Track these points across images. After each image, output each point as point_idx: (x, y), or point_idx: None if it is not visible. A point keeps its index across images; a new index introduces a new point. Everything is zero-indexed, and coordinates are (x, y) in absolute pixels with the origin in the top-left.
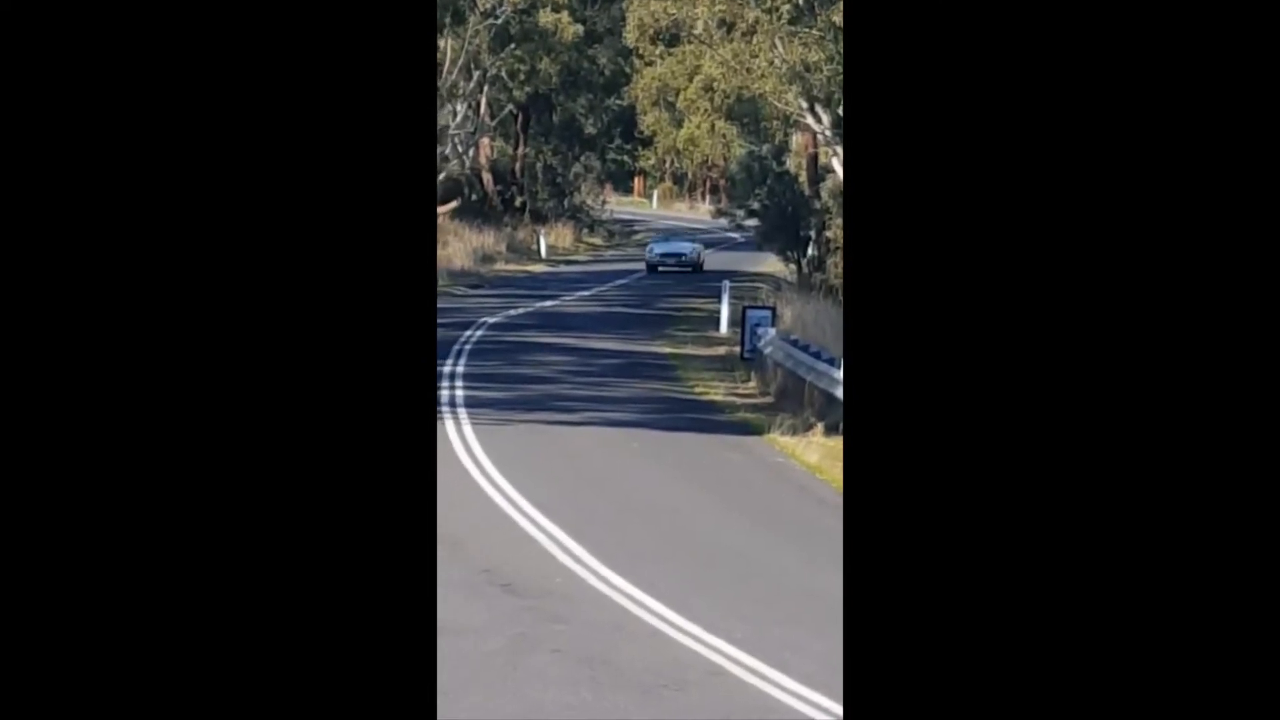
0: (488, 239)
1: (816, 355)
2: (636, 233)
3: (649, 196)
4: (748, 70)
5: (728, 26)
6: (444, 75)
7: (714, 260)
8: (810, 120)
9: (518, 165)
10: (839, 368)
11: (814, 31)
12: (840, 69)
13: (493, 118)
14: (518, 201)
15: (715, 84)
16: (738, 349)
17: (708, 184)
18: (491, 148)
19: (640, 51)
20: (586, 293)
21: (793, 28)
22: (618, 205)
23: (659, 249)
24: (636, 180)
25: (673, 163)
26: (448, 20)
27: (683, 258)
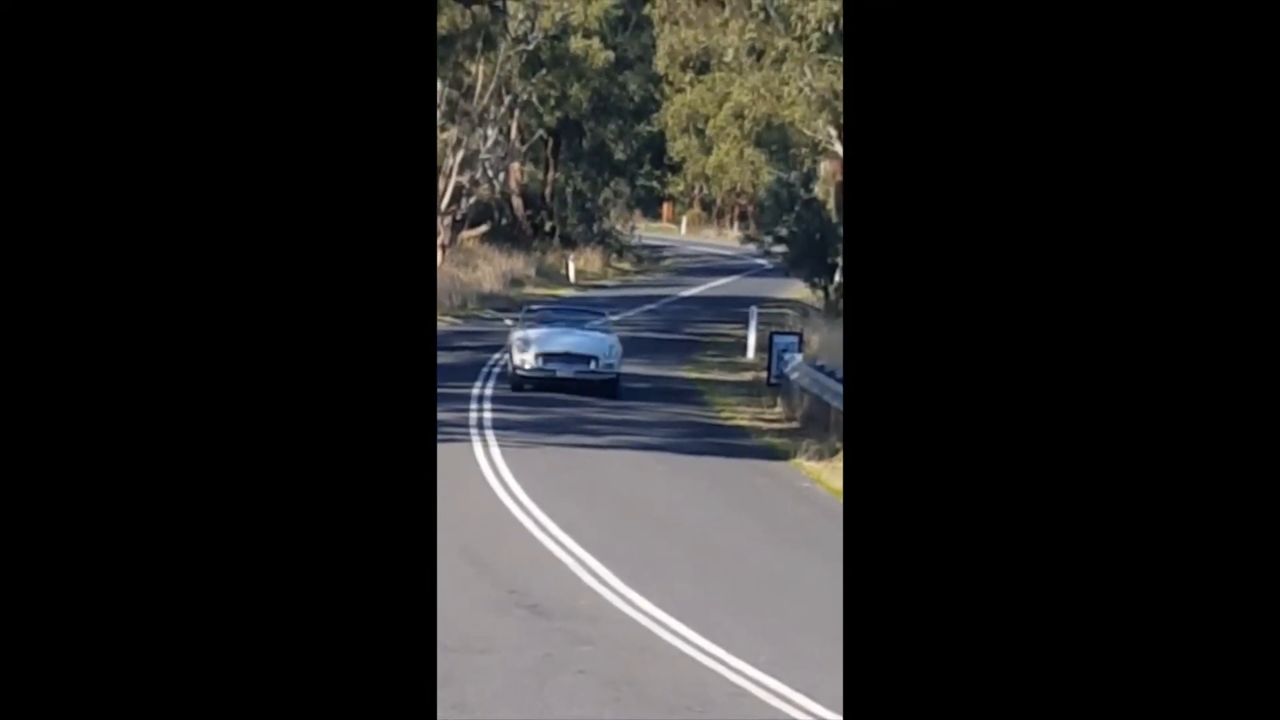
0: (517, 263)
1: (843, 381)
2: (665, 258)
3: (678, 222)
4: (777, 98)
5: (758, 54)
6: (475, 100)
7: (741, 287)
8: (839, 147)
9: (548, 190)
10: None
11: (842, 60)
12: None
13: (523, 143)
14: (547, 226)
15: (744, 111)
16: (764, 374)
17: (736, 210)
18: (522, 172)
19: (670, 78)
20: (614, 317)
21: (822, 55)
22: (646, 231)
23: (539, 343)
24: (665, 206)
25: (701, 189)
26: (480, 45)
27: (588, 367)
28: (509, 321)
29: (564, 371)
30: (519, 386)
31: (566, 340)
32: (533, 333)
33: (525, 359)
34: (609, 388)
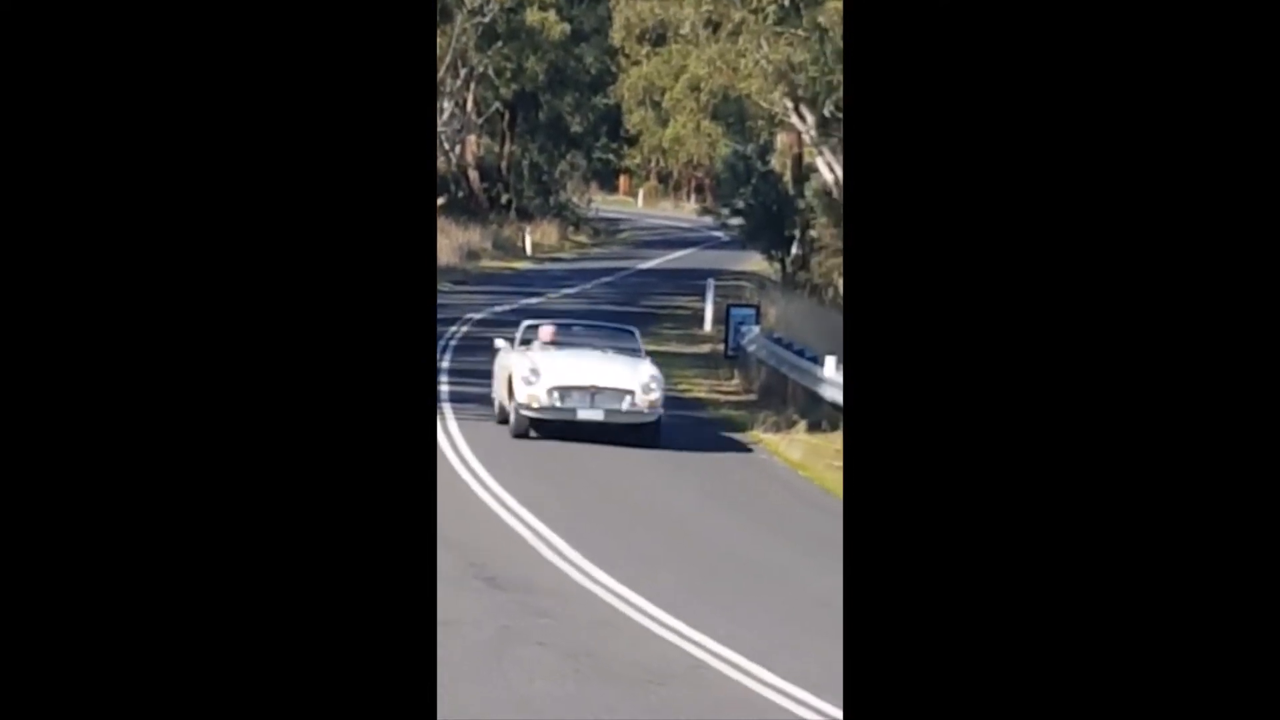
0: (473, 236)
1: (800, 353)
2: (622, 231)
3: (634, 195)
4: (733, 70)
5: (714, 26)
6: None
7: (698, 260)
8: (795, 120)
9: (504, 163)
10: (822, 365)
11: (799, 32)
12: (825, 69)
13: (479, 115)
14: (504, 199)
15: (701, 83)
16: (722, 347)
17: (693, 183)
18: (478, 145)
19: (626, 51)
20: (572, 290)
21: (778, 28)
22: (603, 203)
23: (552, 372)
24: (622, 179)
25: (658, 162)
26: (435, 17)
27: (621, 406)
28: (500, 343)
29: (588, 411)
30: (522, 433)
31: (590, 368)
32: (541, 357)
33: (534, 394)
34: (649, 434)
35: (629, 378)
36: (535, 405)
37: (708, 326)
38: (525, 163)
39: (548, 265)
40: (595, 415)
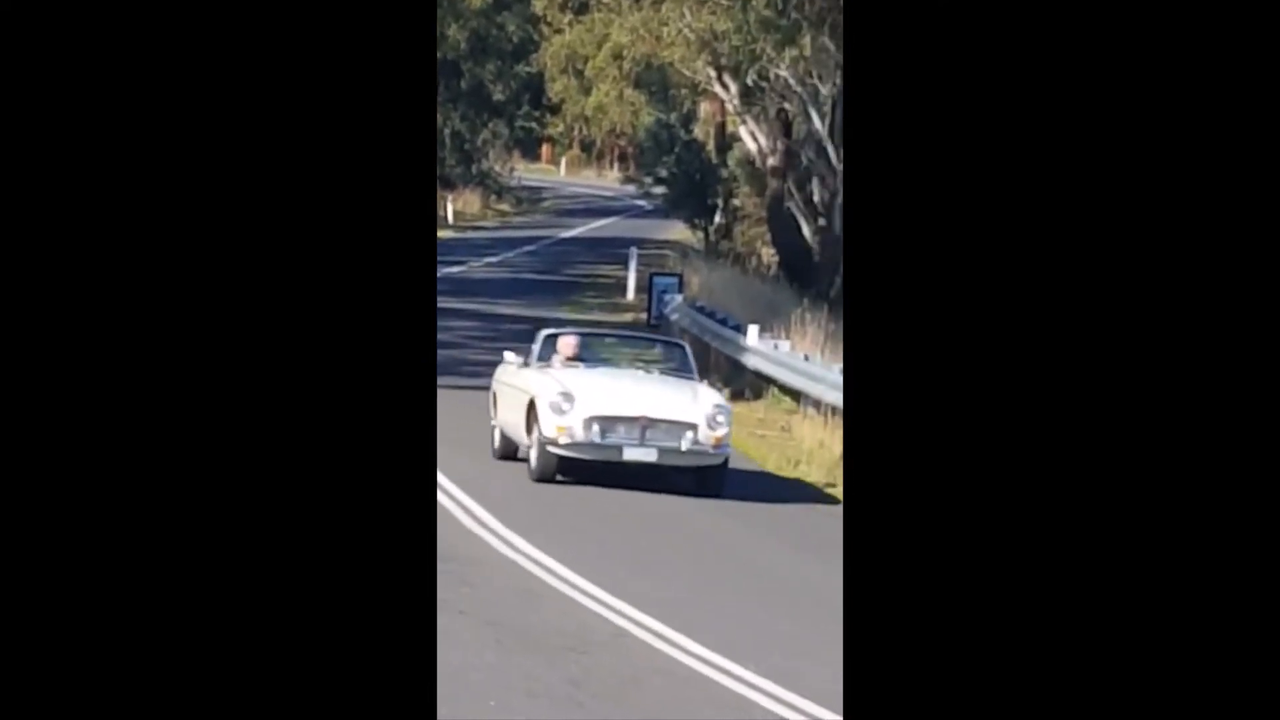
0: None
1: (723, 322)
2: (544, 200)
3: (557, 164)
4: (656, 38)
5: None
6: None
7: (621, 228)
8: (718, 89)
9: None
10: (745, 334)
11: (722, 0)
12: (748, 38)
13: None
14: None
15: (624, 52)
16: (644, 315)
17: (615, 151)
18: None
19: (549, 19)
20: (494, 259)
21: None
22: (525, 172)
23: (589, 397)
24: (544, 147)
25: (581, 130)
26: None
27: (679, 444)
28: (510, 357)
29: (637, 450)
30: (548, 476)
31: (638, 393)
32: (572, 377)
33: (566, 426)
34: (714, 480)
35: (689, 407)
36: (567, 440)
37: (630, 295)
38: (447, 131)
39: (470, 234)
40: (647, 455)
